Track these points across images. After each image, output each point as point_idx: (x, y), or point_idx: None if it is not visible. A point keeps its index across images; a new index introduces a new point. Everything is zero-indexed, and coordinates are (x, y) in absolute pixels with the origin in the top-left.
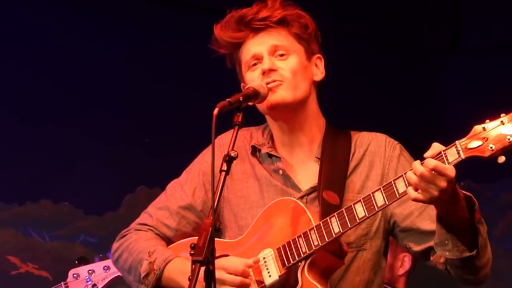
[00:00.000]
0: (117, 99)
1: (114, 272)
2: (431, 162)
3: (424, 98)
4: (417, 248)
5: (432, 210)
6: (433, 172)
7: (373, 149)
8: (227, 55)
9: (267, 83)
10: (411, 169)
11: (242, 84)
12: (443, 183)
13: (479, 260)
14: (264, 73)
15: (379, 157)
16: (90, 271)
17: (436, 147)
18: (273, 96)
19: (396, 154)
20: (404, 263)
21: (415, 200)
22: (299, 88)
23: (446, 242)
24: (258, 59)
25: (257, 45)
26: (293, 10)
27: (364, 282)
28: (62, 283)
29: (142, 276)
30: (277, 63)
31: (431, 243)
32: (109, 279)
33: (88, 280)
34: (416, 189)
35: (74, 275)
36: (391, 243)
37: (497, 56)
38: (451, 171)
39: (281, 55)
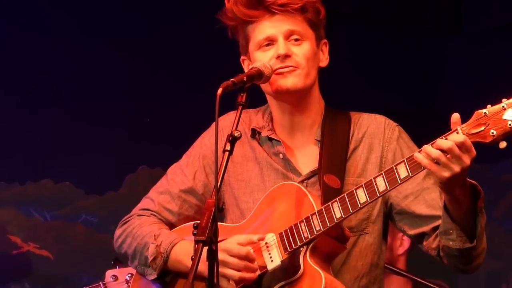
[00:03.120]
0: (119, 78)
1: None
2: (459, 138)
3: (425, 79)
4: (411, 231)
5: (427, 195)
6: (460, 148)
7: (372, 131)
8: (231, 26)
9: (281, 68)
10: (419, 150)
11: (242, 57)
12: (467, 160)
13: (475, 250)
14: (278, 57)
15: (378, 139)
16: (129, 275)
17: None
18: (284, 81)
19: (395, 136)
20: (404, 242)
21: (435, 173)
22: (309, 76)
23: (451, 231)
24: (271, 40)
25: (272, 28)
26: None
27: (367, 266)
28: (101, 283)
29: (150, 260)
30: (291, 48)
31: (424, 228)
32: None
33: (127, 283)
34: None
35: (113, 277)
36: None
37: (499, 37)
38: (473, 150)
39: (296, 39)
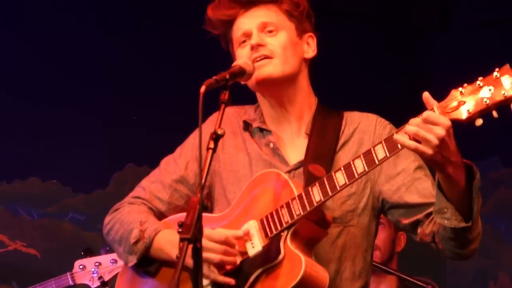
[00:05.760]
0: (106, 77)
1: (121, 266)
2: (424, 113)
3: (412, 75)
4: (406, 221)
5: (419, 185)
6: (427, 123)
7: (363, 127)
8: (221, 36)
9: (256, 59)
10: (396, 131)
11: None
12: (440, 131)
13: (471, 233)
14: (252, 48)
15: (369, 135)
16: (96, 263)
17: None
18: (260, 71)
19: (386, 133)
20: (401, 242)
21: (416, 150)
22: (288, 63)
23: (445, 210)
24: (247, 36)
25: (246, 22)
26: None
27: (350, 257)
28: (68, 273)
29: (131, 243)
30: (266, 39)
31: (418, 216)
32: (116, 272)
33: (94, 272)
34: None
35: (80, 266)
36: None
37: (486, 34)
38: (444, 120)
39: (270, 31)
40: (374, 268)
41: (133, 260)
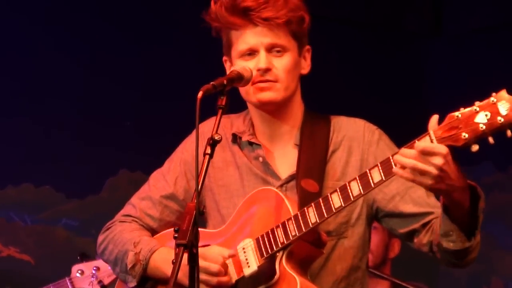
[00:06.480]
0: (98, 81)
1: None
2: (419, 145)
3: (407, 81)
4: (401, 230)
5: (413, 193)
6: (423, 154)
7: (352, 134)
8: (214, 26)
9: (261, 80)
10: (399, 154)
11: (224, 58)
12: (439, 161)
13: (471, 246)
14: (259, 70)
15: (358, 142)
16: (95, 268)
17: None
18: (263, 95)
19: (375, 139)
20: (394, 248)
21: (415, 181)
22: (289, 88)
23: (451, 233)
24: (253, 51)
25: (255, 39)
26: (295, 8)
27: (346, 269)
28: (67, 278)
29: (128, 268)
30: (273, 60)
31: (414, 226)
32: (115, 275)
33: (93, 276)
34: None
35: (79, 271)
36: None
37: (479, 39)
38: (441, 148)
39: (278, 51)
40: (368, 273)
41: (132, 282)
